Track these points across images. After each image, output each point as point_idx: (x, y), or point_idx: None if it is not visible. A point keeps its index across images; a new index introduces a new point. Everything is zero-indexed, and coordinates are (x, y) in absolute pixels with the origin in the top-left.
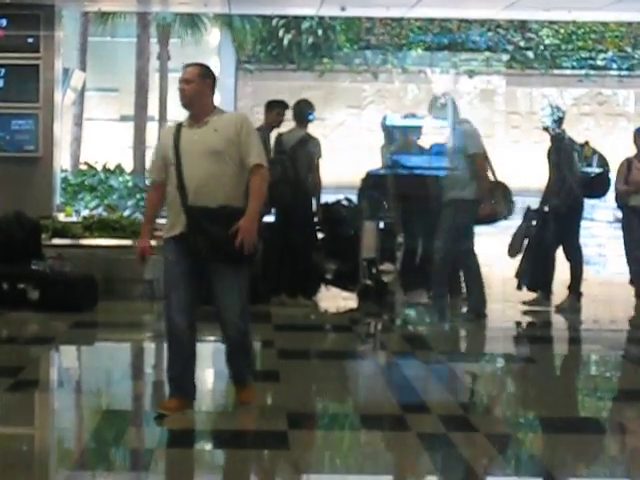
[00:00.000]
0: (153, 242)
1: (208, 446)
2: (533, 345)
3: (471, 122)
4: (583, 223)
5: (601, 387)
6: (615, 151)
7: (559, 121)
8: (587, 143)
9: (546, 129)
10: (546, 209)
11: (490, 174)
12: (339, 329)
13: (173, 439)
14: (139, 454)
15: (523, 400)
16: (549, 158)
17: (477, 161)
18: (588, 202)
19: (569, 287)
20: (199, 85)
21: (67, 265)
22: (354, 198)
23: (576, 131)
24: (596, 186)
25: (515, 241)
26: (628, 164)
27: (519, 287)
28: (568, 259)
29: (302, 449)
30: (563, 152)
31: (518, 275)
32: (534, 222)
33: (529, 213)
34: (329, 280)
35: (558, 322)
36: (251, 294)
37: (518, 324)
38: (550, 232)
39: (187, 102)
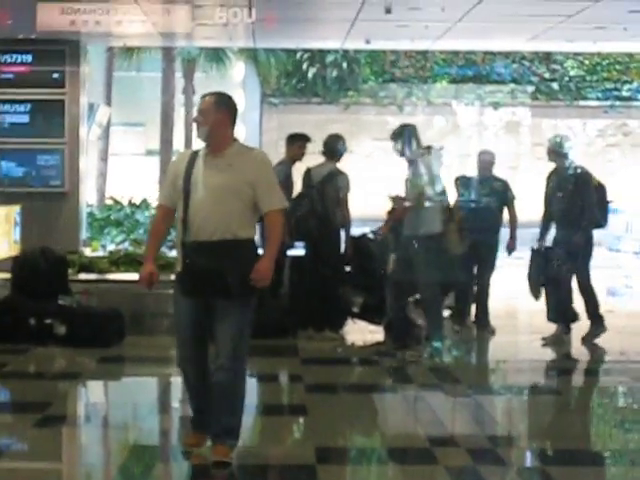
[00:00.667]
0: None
1: None
2: (560, 377)
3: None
4: (610, 254)
5: (628, 419)
6: None
7: (567, 152)
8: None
9: (553, 160)
10: (546, 244)
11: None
12: (366, 362)
13: (200, 474)
14: None
15: (549, 432)
16: (556, 188)
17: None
18: (615, 233)
19: (589, 318)
20: (215, 115)
21: (94, 300)
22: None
23: (601, 162)
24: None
25: (531, 283)
26: None
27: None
28: (582, 292)
29: None
30: (582, 183)
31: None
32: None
33: (533, 254)
34: (356, 313)
35: (583, 354)
36: (279, 328)
37: (540, 357)
38: (561, 266)
39: (202, 135)
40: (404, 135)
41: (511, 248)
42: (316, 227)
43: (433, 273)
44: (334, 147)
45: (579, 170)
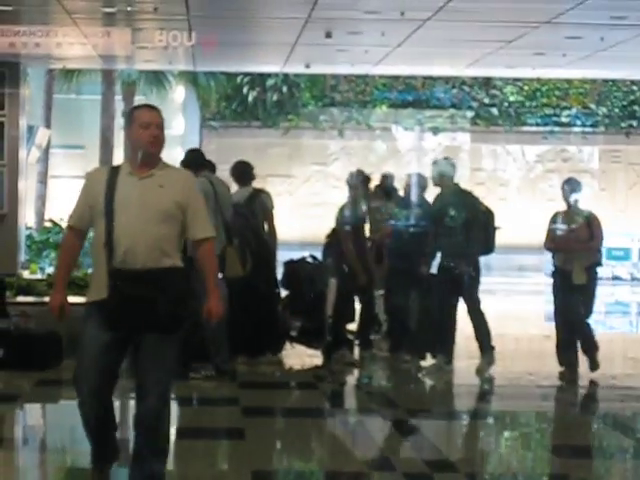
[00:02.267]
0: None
1: None
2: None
3: None
4: (548, 280)
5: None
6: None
7: (452, 175)
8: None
9: (438, 185)
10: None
11: None
12: (304, 386)
13: None
14: None
15: (493, 458)
16: (442, 213)
17: None
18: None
19: (479, 348)
20: (164, 133)
21: (31, 323)
22: (319, 255)
23: (541, 188)
24: (488, 242)
25: None
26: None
27: None
28: (472, 320)
29: None
30: (468, 208)
31: None
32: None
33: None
34: (294, 337)
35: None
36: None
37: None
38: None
39: (158, 151)
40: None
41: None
42: (250, 249)
43: None
44: (245, 172)
45: (466, 195)
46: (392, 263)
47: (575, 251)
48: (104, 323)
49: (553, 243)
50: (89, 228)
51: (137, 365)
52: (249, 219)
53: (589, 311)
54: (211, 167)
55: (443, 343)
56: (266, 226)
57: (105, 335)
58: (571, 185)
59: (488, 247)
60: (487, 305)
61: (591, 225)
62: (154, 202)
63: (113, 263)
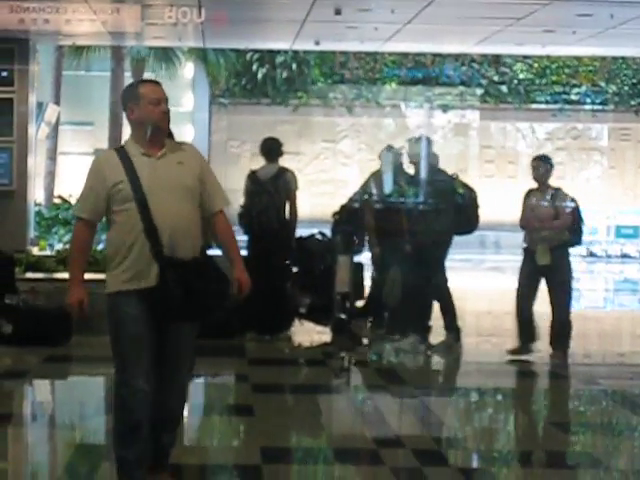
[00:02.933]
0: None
1: None
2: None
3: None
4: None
5: (574, 420)
6: (590, 185)
7: (421, 153)
8: (457, 176)
9: (414, 163)
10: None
11: None
12: (313, 363)
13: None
14: None
15: (498, 434)
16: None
17: None
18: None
19: (445, 326)
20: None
21: (41, 299)
22: (328, 232)
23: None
24: (462, 222)
25: None
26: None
27: None
28: (437, 298)
29: None
30: (440, 187)
31: None
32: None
33: None
34: (303, 314)
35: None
36: (226, 329)
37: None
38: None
39: (167, 126)
40: None
41: None
42: (272, 225)
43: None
44: (273, 149)
45: (438, 173)
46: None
47: (536, 230)
48: (149, 311)
49: (523, 221)
50: (100, 219)
51: (163, 350)
52: (273, 196)
53: (563, 294)
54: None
55: (445, 321)
56: (287, 205)
57: (147, 320)
58: (540, 162)
59: (467, 227)
60: (496, 282)
61: (556, 204)
62: (180, 181)
63: (162, 250)
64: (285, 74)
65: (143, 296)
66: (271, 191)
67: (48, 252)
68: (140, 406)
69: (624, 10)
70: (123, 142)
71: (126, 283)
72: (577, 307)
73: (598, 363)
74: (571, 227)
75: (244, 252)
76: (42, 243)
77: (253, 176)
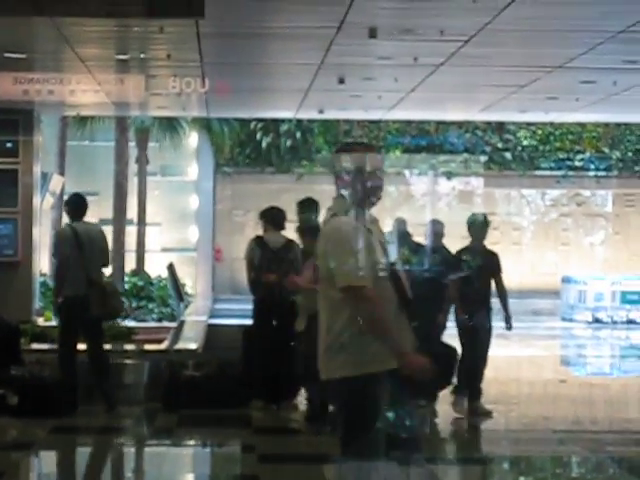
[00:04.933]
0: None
1: None
2: None
3: None
4: (564, 324)
5: None
6: (595, 250)
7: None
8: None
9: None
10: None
11: None
12: (319, 432)
13: None
14: None
15: None
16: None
17: None
18: (568, 302)
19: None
20: None
21: (46, 370)
22: None
23: (555, 232)
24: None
25: None
26: None
27: None
28: None
29: None
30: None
31: None
32: None
33: None
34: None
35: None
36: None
37: None
38: None
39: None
40: None
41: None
42: (283, 295)
43: None
44: (278, 218)
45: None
46: None
47: None
48: (386, 391)
49: None
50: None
51: None
52: (285, 266)
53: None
54: None
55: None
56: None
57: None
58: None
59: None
60: (502, 350)
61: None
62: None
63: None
64: (289, 143)
65: (382, 377)
66: (283, 260)
67: (53, 323)
68: None
69: (627, 77)
70: None
71: (378, 364)
72: (583, 373)
73: (604, 430)
74: None
75: (248, 321)
76: (47, 314)
77: (261, 242)
